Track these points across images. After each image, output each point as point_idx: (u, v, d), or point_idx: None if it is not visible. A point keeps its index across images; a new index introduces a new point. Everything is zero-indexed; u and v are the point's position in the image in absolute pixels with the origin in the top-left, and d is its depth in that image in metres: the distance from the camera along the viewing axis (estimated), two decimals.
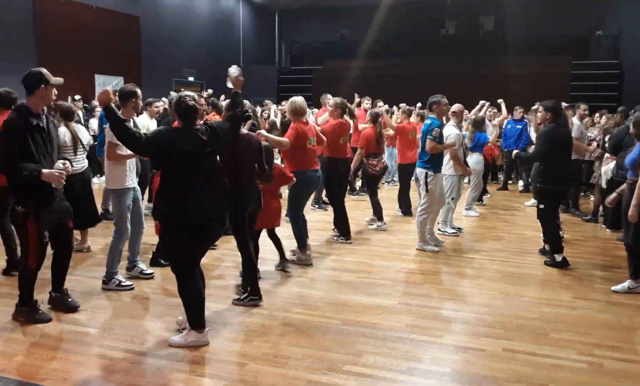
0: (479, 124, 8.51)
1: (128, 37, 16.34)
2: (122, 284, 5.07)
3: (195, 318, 3.92)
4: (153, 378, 3.49)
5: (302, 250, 5.97)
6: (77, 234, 6.48)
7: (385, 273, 5.70)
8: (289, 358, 3.76)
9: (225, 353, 3.85)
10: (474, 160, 8.34)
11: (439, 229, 7.33)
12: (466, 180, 8.81)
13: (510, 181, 11.96)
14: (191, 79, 19.13)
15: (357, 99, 10.34)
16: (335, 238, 6.98)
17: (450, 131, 7.05)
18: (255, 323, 4.38)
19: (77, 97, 11.98)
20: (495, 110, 11.17)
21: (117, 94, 5.20)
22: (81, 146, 6.16)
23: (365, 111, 9.80)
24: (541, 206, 6.03)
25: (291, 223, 6.00)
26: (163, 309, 4.60)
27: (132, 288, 5.07)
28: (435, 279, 5.56)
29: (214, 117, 8.61)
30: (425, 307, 4.77)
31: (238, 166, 4.57)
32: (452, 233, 7.38)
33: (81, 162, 6.10)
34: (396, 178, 10.79)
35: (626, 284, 5.15)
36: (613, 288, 5.17)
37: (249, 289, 4.73)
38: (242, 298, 4.74)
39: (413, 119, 9.04)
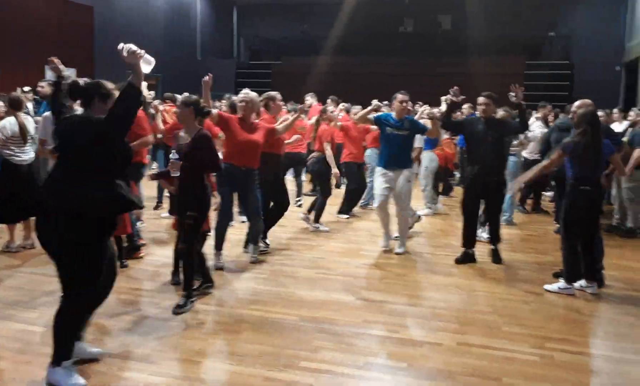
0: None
1: (81, 28, 15.82)
2: None
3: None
4: (103, 377, 3.38)
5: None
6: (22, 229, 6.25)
7: (344, 269, 5.70)
8: (245, 355, 3.71)
9: (179, 351, 3.77)
10: (427, 158, 8.41)
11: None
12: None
13: None
14: (147, 71, 18.72)
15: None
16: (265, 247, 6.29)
17: None
18: (210, 320, 4.31)
19: (26, 88, 11.54)
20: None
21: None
22: (30, 137, 6.00)
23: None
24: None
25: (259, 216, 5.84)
26: (114, 307, 4.46)
27: None
28: (393, 275, 5.59)
29: (172, 109, 8.43)
30: (383, 302, 4.79)
31: (204, 163, 4.49)
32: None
33: (29, 153, 5.90)
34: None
35: (555, 285, 5.16)
36: (545, 286, 5.21)
37: (189, 293, 4.52)
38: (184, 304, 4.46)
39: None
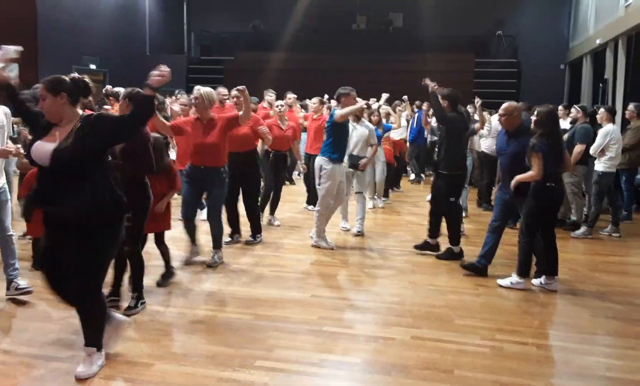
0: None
1: (23, 22, 15.22)
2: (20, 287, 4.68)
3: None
4: (54, 383, 3.27)
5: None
6: None
7: (298, 267, 5.69)
8: (199, 357, 3.65)
9: (130, 354, 3.67)
10: (380, 152, 8.51)
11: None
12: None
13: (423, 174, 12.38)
14: (93, 67, 18.18)
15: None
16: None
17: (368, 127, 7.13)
18: (162, 322, 4.22)
19: None
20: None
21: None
22: None
23: (271, 106, 9.44)
24: (452, 199, 6.13)
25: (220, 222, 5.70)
26: (63, 310, 4.31)
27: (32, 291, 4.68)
28: (346, 271, 5.62)
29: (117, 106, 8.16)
30: (337, 299, 4.81)
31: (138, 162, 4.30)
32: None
33: None
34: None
35: (508, 280, 5.26)
36: (498, 281, 5.31)
37: (139, 294, 4.46)
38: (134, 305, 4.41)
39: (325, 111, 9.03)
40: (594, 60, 16.63)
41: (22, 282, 4.62)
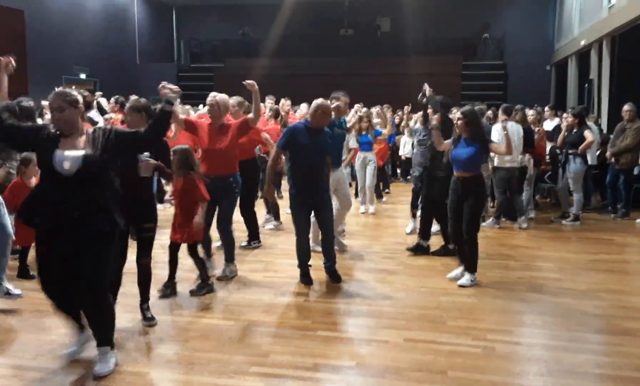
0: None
1: (11, 32, 15.16)
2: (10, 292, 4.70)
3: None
4: None
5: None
6: None
7: (291, 272, 5.70)
8: (194, 364, 3.67)
9: (124, 363, 3.69)
10: (372, 158, 8.59)
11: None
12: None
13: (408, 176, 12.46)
14: (83, 76, 18.15)
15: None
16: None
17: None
18: (156, 330, 4.23)
19: None
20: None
21: None
22: None
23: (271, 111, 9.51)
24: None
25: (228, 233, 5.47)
26: (54, 321, 4.32)
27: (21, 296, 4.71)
28: (340, 276, 5.64)
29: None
30: (330, 303, 4.84)
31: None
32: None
33: None
34: None
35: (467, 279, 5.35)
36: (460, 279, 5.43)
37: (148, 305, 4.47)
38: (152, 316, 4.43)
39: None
40: (579, 61, 16.82)
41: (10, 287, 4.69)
